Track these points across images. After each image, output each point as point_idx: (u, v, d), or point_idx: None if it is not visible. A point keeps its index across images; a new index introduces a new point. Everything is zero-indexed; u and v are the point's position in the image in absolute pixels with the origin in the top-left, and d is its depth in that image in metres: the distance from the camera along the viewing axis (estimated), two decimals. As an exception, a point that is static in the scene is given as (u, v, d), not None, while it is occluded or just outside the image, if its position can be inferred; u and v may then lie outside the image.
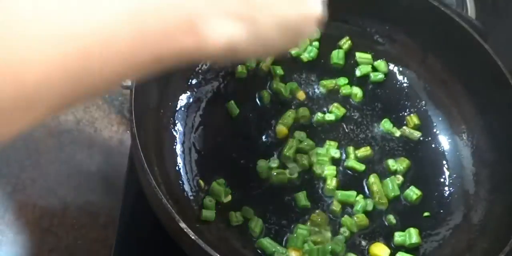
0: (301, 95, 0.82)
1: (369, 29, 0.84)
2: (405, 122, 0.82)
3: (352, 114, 0.82)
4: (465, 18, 0.82)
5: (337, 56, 0.84)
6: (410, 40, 0.83)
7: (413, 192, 0.77)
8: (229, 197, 0.73)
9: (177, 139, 0.75)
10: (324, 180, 0.76)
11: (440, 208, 0.77)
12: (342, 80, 0.83)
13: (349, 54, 0.85)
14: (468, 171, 0.79)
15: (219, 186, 0.72)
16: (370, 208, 0.75)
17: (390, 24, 0.83)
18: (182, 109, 0.77)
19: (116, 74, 0.38)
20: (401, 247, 0.74)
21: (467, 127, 0.80)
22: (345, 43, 0.84)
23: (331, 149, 0.78)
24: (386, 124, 0.82)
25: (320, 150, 0.78)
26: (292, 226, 0.72)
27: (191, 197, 0.72)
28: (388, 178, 0.77)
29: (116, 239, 0.71)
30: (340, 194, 0.76)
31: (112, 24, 0.36)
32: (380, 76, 0.84)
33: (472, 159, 0.79)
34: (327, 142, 0.79)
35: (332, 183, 0.76)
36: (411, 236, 0.73)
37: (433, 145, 0.81)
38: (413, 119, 0.82)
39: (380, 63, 0.84)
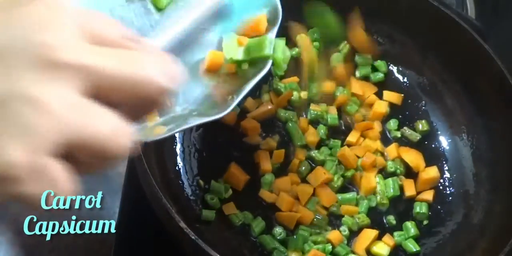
0: (304, 94, 0.82)
1: (369, 29, 0.84)
2: (406, 123, 0.82)
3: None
4: (465, 18, 0.82)
5: (336, 60, 0.83)
6: (410, 40, 0.83)
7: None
8: (230, 192, 0.73)
9: (177, 139, 0.75)
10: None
11: (440, 208, 0.77)
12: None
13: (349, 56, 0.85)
14: (468, 171, 0.79)
15: (219, 183, 0.73)
16: (373, 204, 0.76)
17: (390, 24, 0.83)
18: (182, 109, 0.77)
19: None
20: (401, 247, 0.74)
21: (467, 127, 0.80)
22: (344, 47, 0.84)
23: (336, 149, 0.78)
24: (388, 125, 0.82)
25: (325, 150, 0.78)
26: (293, 227, 0.73)
27: (191, 197, 0.72)
28: (390, 178, 0.77)
29: (116, 239, 0.71)
30: (341, 198, 0.76)
31: None
32: (380, 75, 0.84)
33: (472, 159, 0.79)
34: (332, 141, 0.79)
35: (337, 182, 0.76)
36: (409, 229, 0.74)
37: (433, 145, 0.81)
38: (423, 124, 0.82)
39: (380, 63, 0.84)
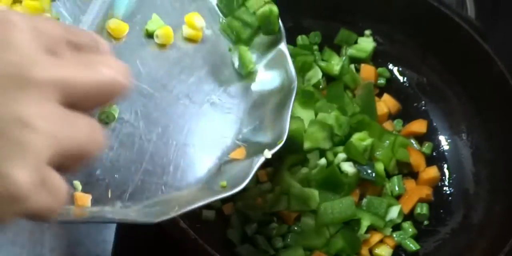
0: None
1: (368, 29, 0.84)
2: (406, 122, 0.82)
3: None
4: (465, 18, 0.82)
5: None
6: (410, 40, 0.83)
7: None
8: None
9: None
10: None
11: (440, 208, 0.77)
12: None
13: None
14: (468, 171, 0.79)
15: None
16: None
17: (390, 24, 0.83)
18: (182, 109, 0.77)
19: None
20: (401, 246, 0.74)
21: (467, 127, 0.80)
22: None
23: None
24: (391, 125, 0.82)
25: None
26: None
27: (191, 197, 0.72)
28: (395, 177, 0.77)
29: (116, 239, 0.71)
30: None
31: None
32: (382, 81, 0.83)
33: (472, 159, 0.79)
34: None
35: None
36: (406, 230, 0.74)
37: (433, 145, 0.81)
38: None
39: (383, 70, 0.84)
